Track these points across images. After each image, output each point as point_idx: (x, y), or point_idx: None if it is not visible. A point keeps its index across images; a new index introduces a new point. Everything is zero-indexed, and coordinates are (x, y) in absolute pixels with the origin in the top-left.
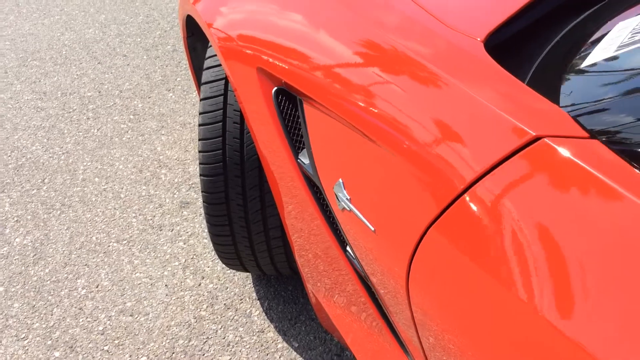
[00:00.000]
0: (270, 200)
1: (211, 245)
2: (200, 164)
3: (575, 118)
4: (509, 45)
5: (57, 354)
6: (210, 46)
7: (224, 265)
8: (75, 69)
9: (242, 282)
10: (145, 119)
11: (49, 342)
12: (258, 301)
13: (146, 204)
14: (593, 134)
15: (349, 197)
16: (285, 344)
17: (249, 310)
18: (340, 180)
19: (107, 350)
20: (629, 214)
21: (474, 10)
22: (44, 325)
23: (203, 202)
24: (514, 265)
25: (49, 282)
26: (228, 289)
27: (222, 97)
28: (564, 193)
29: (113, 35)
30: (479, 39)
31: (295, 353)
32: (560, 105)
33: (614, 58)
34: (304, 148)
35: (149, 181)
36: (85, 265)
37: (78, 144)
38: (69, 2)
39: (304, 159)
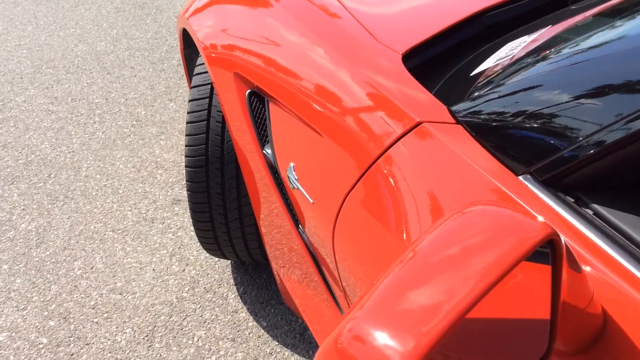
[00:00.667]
0: (245, 190)
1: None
2: (185, 156)
3: (450, 110)
4: (423, 58)
5: (52, 323)
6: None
7: (207, 255)
8: (85, 78)
9: (222, 270)
10: (147, 125)
11: (45, 313)
12: (234, 286)
13: (141, 199)
14: (459, 121)
15: (297, 177)
16: (255, 323)
17: (225, 294)
18: (292, 164)
19: (97, 322)
20: (472, 176)
21: (402, 31)
22: (42, 299)
23: (187, 190)
24: (402, 219)
25: (49, 262)
26: (209, 275)
27: (207, 99)
28: (434, 161)
29: (123, 49)
30: (400, 53)
31: (263, 331)
32: (444, 101)
33: (489, 67)
34: (269, 141)
35: (145, 180)
36: (83, 249)
37: (83, 145)
38: (84, 17)
39: (268, 150)
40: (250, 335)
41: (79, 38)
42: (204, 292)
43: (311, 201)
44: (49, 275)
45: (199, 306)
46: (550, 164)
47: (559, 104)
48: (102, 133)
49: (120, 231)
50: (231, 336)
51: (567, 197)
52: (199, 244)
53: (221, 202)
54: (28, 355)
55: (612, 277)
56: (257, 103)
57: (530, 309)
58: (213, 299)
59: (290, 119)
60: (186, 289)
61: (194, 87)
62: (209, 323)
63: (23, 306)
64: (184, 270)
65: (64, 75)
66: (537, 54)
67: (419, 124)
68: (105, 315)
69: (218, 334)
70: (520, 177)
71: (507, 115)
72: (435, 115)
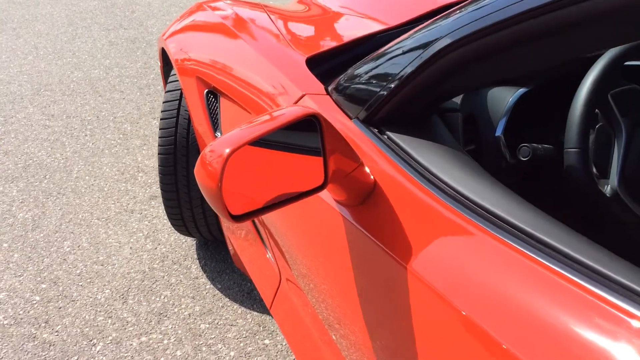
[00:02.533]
0: None
1: (169, 224)
2: (158, 145)
3: (325, 87)
4: (330, 66)
5: (43, 286)
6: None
7: (176, 237)
8: (79, 99)
9: (187, 248)
10: (132, 138)
11: (39, 279)
12: (197, 260)
13: (123, 195)
14: (327, 92)
15: None
16: (211, 286)
17: (189, 265)
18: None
19: (81, 285)
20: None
21: (313, 45)
22: (35, 268)
23: (158, 173)
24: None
25: (42, 242)
26: (176, 252)
27: (177, 101)
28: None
29: (114, 76)
30: (305, 57)
31: (217, 291)
32: (324, 82)
33: (364, 61)
34: (219, 126)
35: (128, 180)
36: (72, 232)
37: (75, 153)
38: (80, 48)
39: (219, 133)
40: (207, 294)
41: (75, 66)
42: (172, 264)
43: None
44: (42, 252)
45: (166, 274)
46: (364, 111)
47: (367, 76)
48: (92, 144)
49: (104, 219)
50: (191, 295)
51: (374, 129)
52: (170, 229)
53: (186, 182)
54: (23, 308)
55: (389, 168)
56: (212, 99)
57: (314, 165)
58: (178, 269)
59: (233, 105)
60: (157, 262)
61: (167, 92)
62: (174, 286)
63: (20, 274)
64: (155, 248)
65: (60, 97)
66: (375, 54)
67: (303, 95)
68: (89, 280)
69: (181, 293)
70: (352, 120)
71: (347, 86)
72: (315, 91)
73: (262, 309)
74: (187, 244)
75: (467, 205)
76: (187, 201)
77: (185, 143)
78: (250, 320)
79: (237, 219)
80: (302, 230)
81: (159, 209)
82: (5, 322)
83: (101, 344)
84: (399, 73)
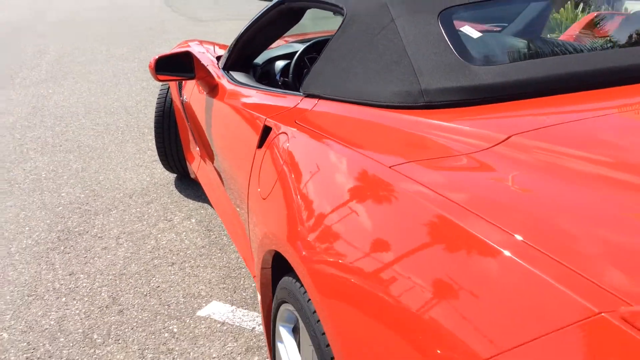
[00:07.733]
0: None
1: (162, 170)
2: (155, 111)
3: (218, 64)
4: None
5: (87, 191)
6: None
7: (164, 176)
8: (116, 117)
9: (170, 180)
10: (148, 136)
11: (84, 188)
12: (174, 184)
13: (137, 160)
14: (218, 65)
15: (185, 96)
16: (180, 194)
17: (170, 186)
18: (185, 95)
19: (107, 191)
20: (214, 71)
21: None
22: (81, 186)
23: (154, 127)
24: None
25: (87, 176)
26: (163, 181)
27: (166, 90)
28: (203, 94)
29: (142, 106)
30: (216, 56)
31: (182, 195)
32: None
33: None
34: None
35: (141, 154)
36: (103, 172)
37: (111, 142)
38: (121, 90)
39: (184, 97)
40: (176, 196)
41: (116, 100)
42: (160, 185)
43: (186, 100)
44: (87, 180)
45: (155, 189)
46: (223, 64)
47: (227, 49)
48: (122, 138)
49: (124, 168)
50: (167, 196)
51: (225, 70)
52: (162, 173)
53: (168, 133)
54: (74, 198)
55: (223, 79)
56: (179, 84)
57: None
58: (163, 188)
59: (190, 83)
60: (151, 185)
61: (160, 88)
62: (159, 193)
63: (72, 187)
64: (151, 180)
65: (103, 115)
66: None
67: (207, 66)
68: (111, 189)
69: (162, 195)
70: (220, 69)
71: (223, 57)
72: (213, 64)
73: (205, 200)
74: (170, 179)
75: (240, 84)
76: (168, 144)
77: (169, 111)
78: (197, 204)
79: (159, 80)
80: (200, 115)
81: (157, 165)
82: (63, 201)
83: (115, 210)
84: (235, 44)
